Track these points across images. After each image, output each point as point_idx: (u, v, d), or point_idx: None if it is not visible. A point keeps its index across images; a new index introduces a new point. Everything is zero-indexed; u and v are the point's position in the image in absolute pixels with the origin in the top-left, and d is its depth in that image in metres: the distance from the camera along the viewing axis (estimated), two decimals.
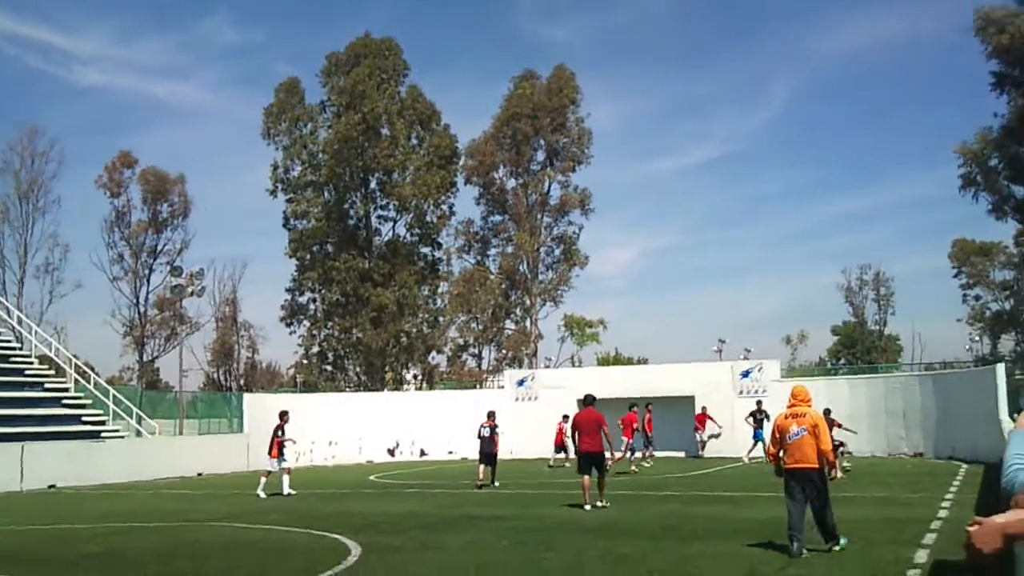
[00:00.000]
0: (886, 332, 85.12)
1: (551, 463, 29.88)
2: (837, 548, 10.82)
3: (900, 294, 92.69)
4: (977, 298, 78.68)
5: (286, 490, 21.75)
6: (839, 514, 11.35)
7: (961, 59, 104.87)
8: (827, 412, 23.22)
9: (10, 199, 59.39)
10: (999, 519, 2.63)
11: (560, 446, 29.26)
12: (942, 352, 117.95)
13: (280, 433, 22.54)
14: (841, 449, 23.56)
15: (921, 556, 10.36)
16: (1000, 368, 27.96)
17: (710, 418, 33.44)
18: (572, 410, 34.96)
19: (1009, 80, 45.25)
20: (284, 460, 22.46)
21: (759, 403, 30.01)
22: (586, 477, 16.92)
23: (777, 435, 11.33)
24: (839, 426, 25.15)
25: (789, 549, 10.69)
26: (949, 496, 17.26)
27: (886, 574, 9.43)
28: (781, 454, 11.24)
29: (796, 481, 11.01)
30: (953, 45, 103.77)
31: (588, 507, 16.57)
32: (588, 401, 17.87)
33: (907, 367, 57.00)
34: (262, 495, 21.42)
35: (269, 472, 22.33)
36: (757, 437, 29.35)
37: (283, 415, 23.11)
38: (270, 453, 22.54)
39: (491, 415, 24.31)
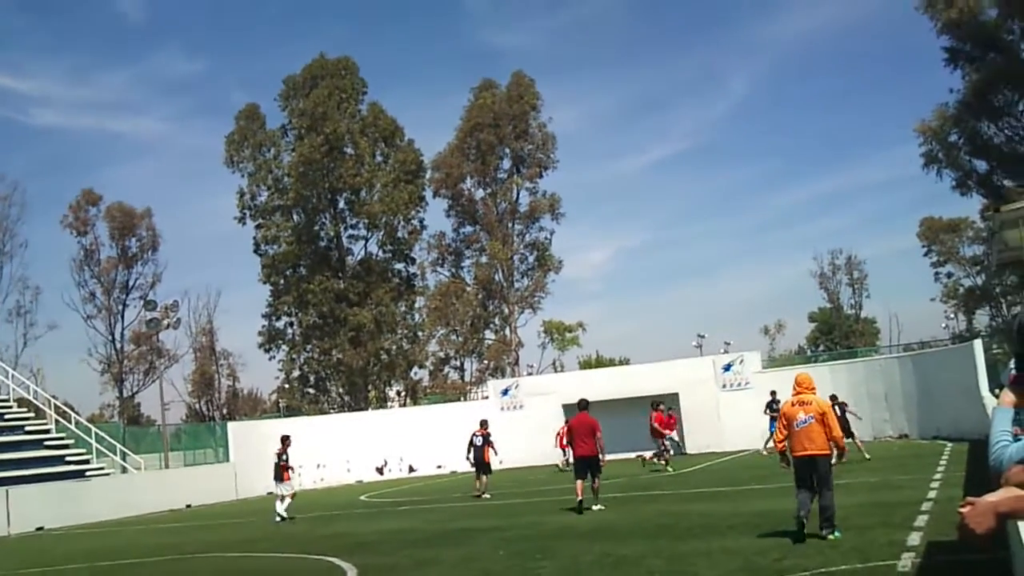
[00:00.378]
0: (862, 315, 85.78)
1: (560, 467, 29.57)
2: (831, 537, 10.95)
3: (873, 276, 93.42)
4: (949, 275, 79.44)
5: (285, 514, 21.71)
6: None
7: (912, 37, 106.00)
8: (834, 398, 23.52)
9: None
10: (991, 498, 2.66)
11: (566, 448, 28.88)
12: (919, 332, 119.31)
13: (284, 458, 22.72)
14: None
15: (914, 538, 10.44)
16: (977, 344, 28.21)
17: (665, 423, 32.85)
18: (557, 415, 35.25)
19: (962, 55, 45.67)
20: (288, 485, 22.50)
21: (773, 393, 29.44)
22: (580, 481, 17.20)
23: (784, 422, 11.60)
24: (850, 412, 25.45)
25: (796, 530, 11.06)
26: (937, 476, 17.40)
27: (880, 558, 9.49)
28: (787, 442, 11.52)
29: (805, 468, 11.26)
30: (903, 23, 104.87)
31: (588, 508, 16.92)
32: (582, 406, 18.19)
33: (885, 349, 57.49)
34: (285, 515, 21.59)
35: (284, 495, 22.30)
36: (773, 428, 29.06)
37: (285, 439, 23.33)
38: (281, 478, 22.51)
39: (483, 423, 24.43)
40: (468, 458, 24.09)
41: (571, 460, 22.14)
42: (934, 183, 50.00)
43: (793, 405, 11.54)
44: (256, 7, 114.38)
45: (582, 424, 17.66)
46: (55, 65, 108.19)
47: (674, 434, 31.96)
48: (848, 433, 23.30)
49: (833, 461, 11.85)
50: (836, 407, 23.37)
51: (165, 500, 30.25)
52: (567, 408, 36.50)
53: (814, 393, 11.70)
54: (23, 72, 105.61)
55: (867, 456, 23.03)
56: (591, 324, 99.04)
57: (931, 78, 74.92)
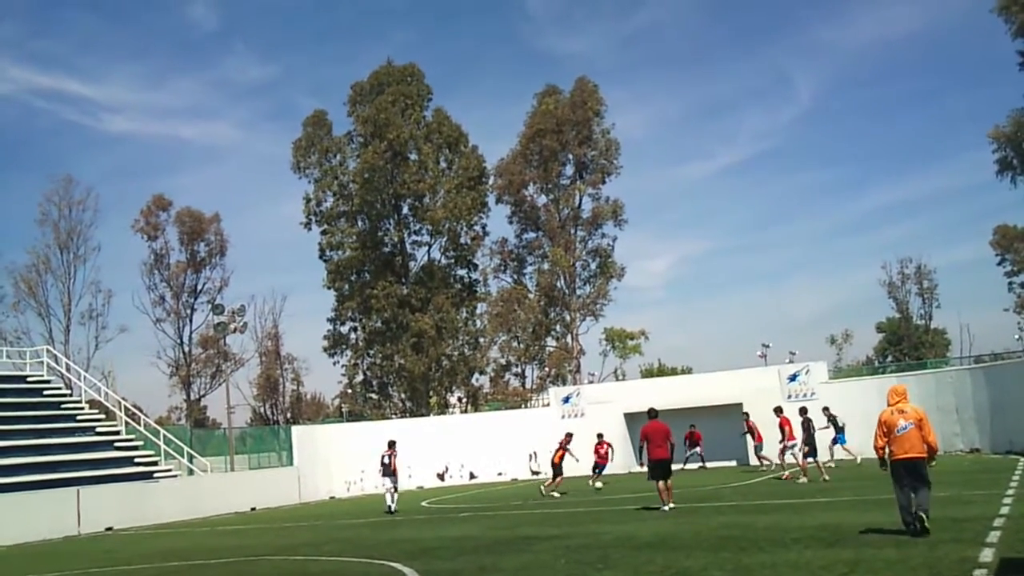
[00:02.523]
0: (932, 326, 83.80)
1: (596, 485, 28.53)
2: (923, 529, 11.83)
3: (944, 286, 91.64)
4: (1023, 285, 77.38)
5: (394, 506, 24.98)
6: (894, 516, 11.93)
7: (987, 41, 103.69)
8: (803, 410, 24.93)
9: (51, 249, 60.23)
10: None
11: (600, 466, 28.63)
12: (991, 343, 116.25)
13: (389, 459, 25.77)
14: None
15: (987, 555, 10.15)
16: None
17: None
18: (618, 423, 35.10)
19: None
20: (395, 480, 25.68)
21: (826, 409, 29.34)
22: (660, 482, 18.72)
23: (884, 429, 12.49)
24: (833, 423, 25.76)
25: (905, 530, 12.03)
26: (1010, 492, 16.93)
27: (951, 574, 9.25)
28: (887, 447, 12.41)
29: (905, 470, 12.20)
30: (977, 27, 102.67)
31: (669, 507, 18.34)
32: (653, 414, 19.76)
33: (956, 361, 56.20)
34: (393, 507, 24.88)
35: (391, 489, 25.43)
36: (839, 440, 28.96)
37: (392, 444, 26.27)
38: (391, 474, 25.61)
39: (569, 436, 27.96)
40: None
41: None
42: (1008, 190, 48.88)
43: (893, 413, 12.49)
44: (326, 13, 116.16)
45: (657, 431, 19.01)
46: (128, 71, 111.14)
47: (699, 449, 32.35)
48: (813, 451, 24.29)
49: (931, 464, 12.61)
50: (803, 420, 24.50)
51: (230, 502, 30.69)
52: (628, 417, 36.37)
53: (908, 401, 12.65)
54: (97, 79, 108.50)
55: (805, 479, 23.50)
56: (653, 332, 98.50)
57: (1006, 82, 72.94)
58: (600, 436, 29.54)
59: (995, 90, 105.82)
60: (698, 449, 34.38)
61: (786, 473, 26.03)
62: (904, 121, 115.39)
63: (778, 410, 26.57)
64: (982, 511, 14.09)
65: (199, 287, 65.56)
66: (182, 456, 33.99)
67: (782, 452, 26.45)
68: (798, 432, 24.65)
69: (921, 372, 37.93)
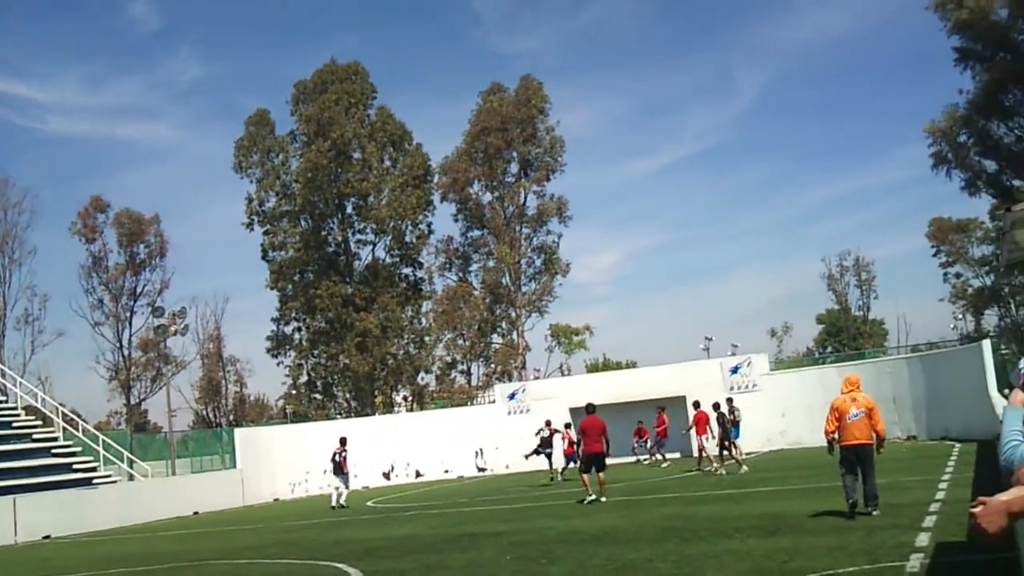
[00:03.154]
0: (870, 317, 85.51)
1: (557, 477, 28.51)
2: (875, 513, 12.59)
3: (881, 278, 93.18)
4: (958, 276, 79.16)
5: (338, 503, 25.83)
6: (835, 504, 11.98)
7: (923, 37, 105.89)
8: (716, 406, 25.47)
9: None
10: (1003, 498, 2.60)
11: (570, 455, 28.52)
12: (927, 333, 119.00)
13: (340, 457, 26.56)
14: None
15: (923, 539, 10.34)
16: (986, 344, 28.05)
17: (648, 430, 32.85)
18: (564, 419, 35.21)
19: (972, 55, 45.56)
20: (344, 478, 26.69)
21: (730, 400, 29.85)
22: (586, 476, 19.66)
23: (836, 415, 13.11)
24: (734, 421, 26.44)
25: (849, 512, 12.72)
26: (946, 477, 17.30)
27: (889, 559, 9.39)
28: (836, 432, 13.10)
29: (853, 455, 12.89)
30: (913, 24, 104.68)
31: (592, 498, 19.00)
32: (590, 410, 20.53)
33: (894, 351, 57.19)
34: (342, 504, 25.72)
35: (340, 488, 26.42)
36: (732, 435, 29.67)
37: (343, 441, 27.09)
38: (340, 472, 26.56)
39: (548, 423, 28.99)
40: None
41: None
42: (943, 184, 49.93)
43: (845, 401, 13.12)
44: (270, 13, 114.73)
45: (593, 426, 19.80)
46: (68, 72, 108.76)
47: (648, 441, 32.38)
48: (727, 443, 24.70)
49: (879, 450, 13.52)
50: (718, 415, 25.04)
51: (172, 507, 30.24)
52: (574, 412, 36.49)
53: (860, 390, 13.37)
54: (39, 79, 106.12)
55: (732, 471, 24.05)
56: (599, 328, 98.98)
57: (941, 79, 74.75)
58: (661, 408, 30.81)
59: (931, 86, 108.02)
60: (648, 442, 34.42)
61: (715, 466, 26.57)
62: (844, 117, 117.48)
63: (696, 404, 27.62)
64: (919, 497, 14.37)
65: (139, 290, 64.67)
66: (122, 461, 33.44)
67: (655, 448, 28.27)
68: (714, 427, 25.22)
69: (860, 362, 38.54)
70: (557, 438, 28.85)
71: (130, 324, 64.26)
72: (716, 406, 25.43)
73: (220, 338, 73.27)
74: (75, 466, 31.47)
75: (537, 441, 28.81)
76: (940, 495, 14.45)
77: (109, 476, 32.11)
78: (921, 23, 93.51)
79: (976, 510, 2.56)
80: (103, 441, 33.26)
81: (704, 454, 27.07)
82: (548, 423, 29.54)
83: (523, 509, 20.14)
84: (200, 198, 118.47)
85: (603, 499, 18.96)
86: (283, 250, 56.22)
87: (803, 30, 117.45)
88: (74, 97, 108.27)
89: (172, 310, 40.33)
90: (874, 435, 13.14)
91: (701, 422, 27.16)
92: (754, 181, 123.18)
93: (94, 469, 31.86)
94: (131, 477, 32.98)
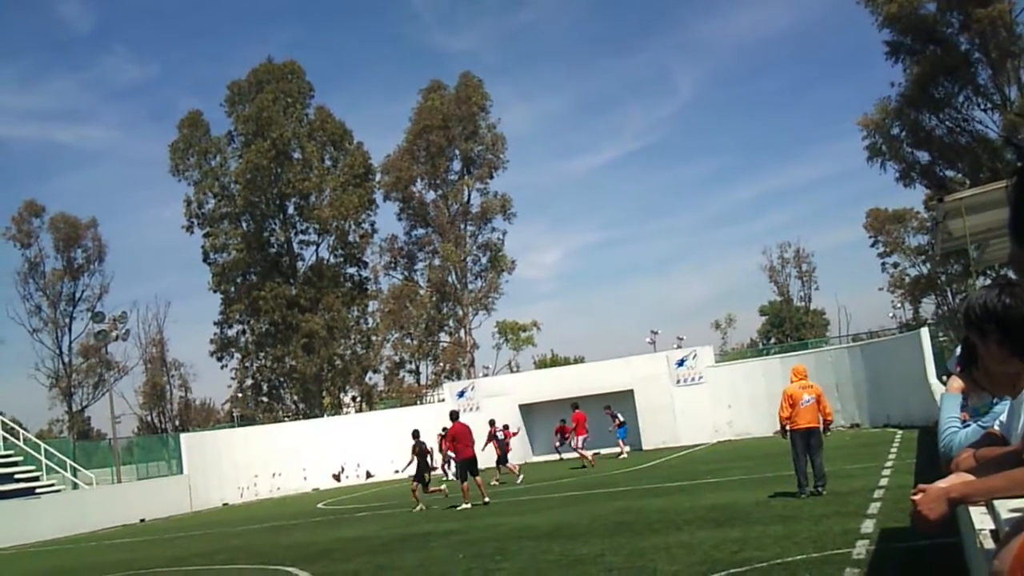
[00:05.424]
0: (812, 307, 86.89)
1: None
2: (824, 492, 13.70)
3: (821, 269, 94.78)
4: (895, 265, 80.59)
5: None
6: (782, 491, 11.59)
7: (854, 32, 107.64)
8: (492, 423, 27.91)
9: None
10: (942, 484, 2.69)
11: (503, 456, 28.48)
12: (867, 322, 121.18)
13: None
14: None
15: (868, 526, 10.58)
16: (924, 332, 28.66)
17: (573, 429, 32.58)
18: (514, 415, 35.32)
19: (902, 48, 46.40)
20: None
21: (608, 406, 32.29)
22: (466, 484, 19.96)
23: (791, 402, 14.19)
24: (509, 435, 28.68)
25: (801, 492, 13.81)
26: (888, 464, 17.67)
27: (835, 547, 9.60)
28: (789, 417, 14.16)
29: (803, 438, 14.00)
30: (845, 19, 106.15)
31: (468, 505, 19.39)
32: (454, 416, 21.21)
33: (835, 340, 58.16)
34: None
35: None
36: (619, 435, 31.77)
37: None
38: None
39: (492, 422, 28.62)
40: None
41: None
42: (878, 175, 50.84)
43: (798, 389, 14.26)
44: (206, 12, 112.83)
45: (463, 432, 20.28)
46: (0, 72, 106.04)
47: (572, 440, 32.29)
48: (504, 459, 26.81)
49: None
50: (498, 432, 27.15)
51: (118, 515, 29.78)
52: (523, 408, 36.67)
53: (808, 380, 14.72)
54: None
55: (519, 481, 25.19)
56: (546, 324, 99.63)
57: (874, 72, 76.40)
58: (575, 406, 30.53)
59: (863, 79, 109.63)
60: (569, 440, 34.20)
61: (589, 460, 28.45)
62: (780, 112, 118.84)
63: (574, 406, 29.43)
64: (863, 484, 14.68)
65: (77, 295, 63.29)
66: (65, 470, 32.82)
67: (579, 447, 28.91)
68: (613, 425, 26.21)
69: (803, 352, 39.18)
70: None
71: (70, 330, 62.98)
72: (492, 423, 27.91)
73: (163, 342, 72.19)
74: (17, 476, 30.85)
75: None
76: (883, 482, 14.77)
77: (52, 485, 31.53)
78: (853, 17, 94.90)
79: (916, 497, 2.64)
80: (45, 450, 32.64)
81: (580, 453, 28.32)
82: (492, 422, 29.41)
83: (475, 507, 20.17)
84: (138, 200, 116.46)
85: (486, 500, 19.57)
86: (225, 252, 55.49)
87: (738, 26, 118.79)
88: (2, 98, 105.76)
89: (112, 315, 39.78)
90: (821, 419, 14.36)
91: (580, 423, 28.87)
92: (694, 176, 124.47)
93: (36, 478, 31.27)
94: (75, 486, 32.39)
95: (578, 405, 30.46)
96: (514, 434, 30.27)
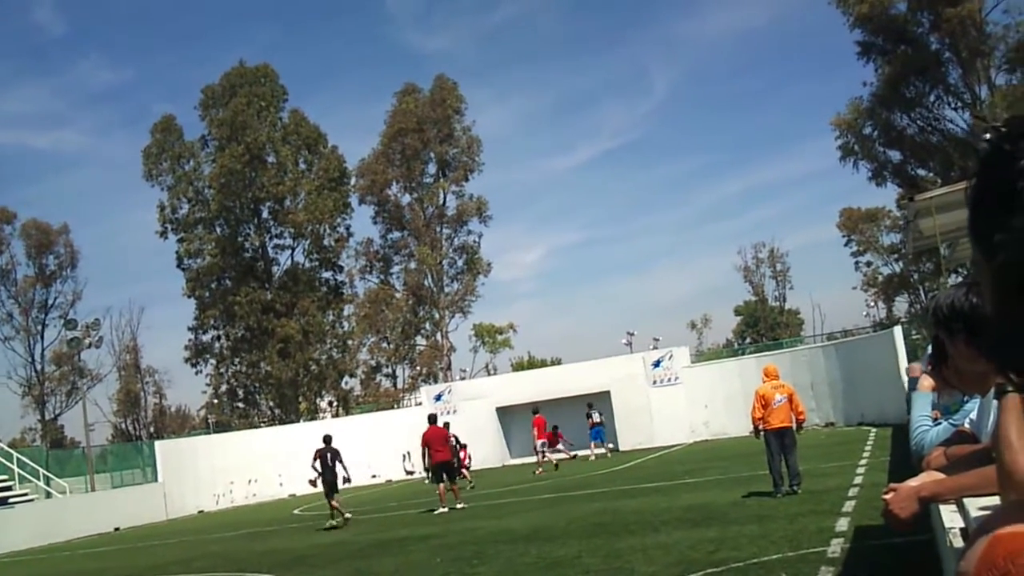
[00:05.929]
0: (786, 307, 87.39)
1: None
2: (799, 489, 13.83)
3: (796, 268, 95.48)
4: (869, 264, 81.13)
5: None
6: (757, 491, 11.64)
7: (826, 32, 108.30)
8: (447, 425, 26.57)
9: None
10: (913, 483, 2.70)
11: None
12: (841, 321, 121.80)
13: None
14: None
15: (842, 524, 10.64)
16: (897, 330, 28.89)
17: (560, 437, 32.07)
18: (491, 418, 35.30)
19: (874, 48, 46.82)
20: None
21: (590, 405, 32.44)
22: (441, 485, 19.93)
23: (763, 402, 14.31)
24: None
25: (775, 490, 13.89)
26: (863, 462, 17.79)
27: (810, 545, 9.64)
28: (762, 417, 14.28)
29: (776, 437, 14.11)
30: (817, 19, 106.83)
31: (445, 509, 19.22)
32: (432, 420, 21.16)
33: (810, 339, 58.54)
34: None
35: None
36: (593, 435, 31.89)
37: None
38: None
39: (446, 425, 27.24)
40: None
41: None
42: (851, 175, 51.17)
43: (770, 389, 14.39)
44: (180, 17, 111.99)
45: (436, 436, 20.35)
46: None
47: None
48: (460, 467, 26.27)
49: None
50: (457, 444, 26.39)
51: (92, 524, 29.51)
52: (500, 411, 36.62)
53: (780, 379, 14.87)
54: None
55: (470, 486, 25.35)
56: (523, 326, 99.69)
57: (846, 72, 76.82)
58: (535, 411, 30.08)
59: (837, 79, 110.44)
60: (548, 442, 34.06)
61: (540, 469, 28.37)
62: (754, 111, 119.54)
63: (535, 410, 29.47)
64: (838, 482, 14.76)
65: (50, 302, 62.79)
66: (38, 479, 32.46)
67: (539, 450, 28.94)
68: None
69: (778, 351, 39.36)
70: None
71: (42, 337, 62.45)
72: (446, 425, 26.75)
73: (137, 349, 71.71)
74: None
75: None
76: (858, 480, 14.86)
77: (25, 494, 31.17)
78: (825, 17, 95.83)
79: (887, 496, 2.66)
80: (17, 459, 32.26)
81: (538, 456, 28.60)
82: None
83: (452, 511, 20.13)
84: (111, 206, 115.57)
85: (459, 505, 19.60)
86: (199, 257, 55.17)
87: (713, 25, 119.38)
88: None
89: (85, 322, 39.48)
90: (794, 418, 14.46)
91: (540, 426, 28.91)
92: (669, 176, 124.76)
93: (9, 488, 30.90)
94: (48, 495, 32.05)
95: (538, 410, 30.41)
96: (464, 447, 29.71)
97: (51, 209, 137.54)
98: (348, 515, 19.93)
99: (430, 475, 20.89)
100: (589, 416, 31.99)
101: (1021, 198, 0.93)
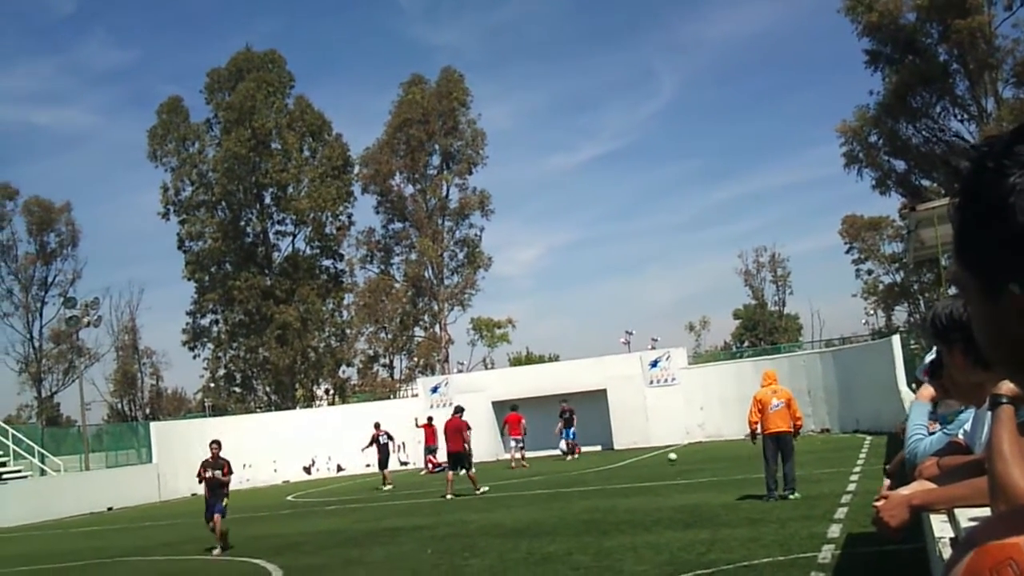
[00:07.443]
0: (785, 312, 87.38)
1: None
2: (792, 497, 13.82)
3: (796, 274, 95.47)
4: (869, 272, 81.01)
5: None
6: (750, 494, 11.68)
7: (835, 39, 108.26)
8: (377, 425, 28.72)
9: None
10: (905, 491, 2.72)
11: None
12: (840, 328, 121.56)
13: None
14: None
15: (834, 531, 10.66)
16: (896, 339, 28.88)
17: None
18: (487, 412, 35.35)
19: (882, 57, 46.83)
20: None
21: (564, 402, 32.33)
22: (450, 473, 21.09)
23: (760, 406, 14.29)
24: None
25: (766, 497, 13.87)
26: (857, 469, 17.80)
27: (802, 550, 9.67)
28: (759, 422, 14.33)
29: (773, 442, 14.11)
30: (826, 26, 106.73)
31: (450, 496, 20.19)
32: (459, 411, 22.46)
33: (808, 345, 58.57)
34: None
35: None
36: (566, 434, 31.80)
37: (377, 426, 28.11)
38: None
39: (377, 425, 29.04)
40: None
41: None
42: (855, 182, 51.12)
43: (768, 393, 14.33)
44: None
45: (449, 426, 21.77)
46: None
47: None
48: (384, 463, 27.52)
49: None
50: (381, 436, 27.93)
51: (86, 503, 29.56)
52: (496, 405, 36.62)
53: (778, 384, 14.86)
54: None
55: (386, 487, 25.89)
56: (522, 321, 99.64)
57: (853, 79, 76.84)
58: (513, 408, 30.69)
59: (844, 86, 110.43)
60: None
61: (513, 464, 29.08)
62: (760, 116, 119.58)
63: (513, 407, 30.33)
64: (831, 488, 14.78)
65: (50, 279, 62.68)
66: (33, 456, 32.55)
67: (512, 448, 29.52)
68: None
69: (775, 356, 39.37)
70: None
71: (41, 315, 62.38)
72: (377, 425, 28.48)
73: (135, 330, 71.65)
74: None
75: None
76: (851, 487, 14.88)
77: (20, 471, 31.25)
78: (834, 25, 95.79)
79: (878, 504, 2.68)
80: (13, 435, 32.32)
81: (511, 454, 29.17)
82: (377, 425, 29.31)
83: (445, 502, 20.17)
84: (114, 186, 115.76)
85: (482, 489, 20.74)
86: (200, 240, 55.13)
87: (720, 29, 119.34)
88: None
89: (85, 301, 39.55)
90: (792, 423, 14.40)
91: (512, 423, 29.53)
92: (672, 177, 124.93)
93: (4, 464, 30.96)
94: (43, 472, 32.13)
95: (517, 407, 30.62)
96: (391, 438, 29.69)
97: (54, 187, 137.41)
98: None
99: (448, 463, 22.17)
100: (562, 415, 31.78)
101: (1014, 212, 0.94)
